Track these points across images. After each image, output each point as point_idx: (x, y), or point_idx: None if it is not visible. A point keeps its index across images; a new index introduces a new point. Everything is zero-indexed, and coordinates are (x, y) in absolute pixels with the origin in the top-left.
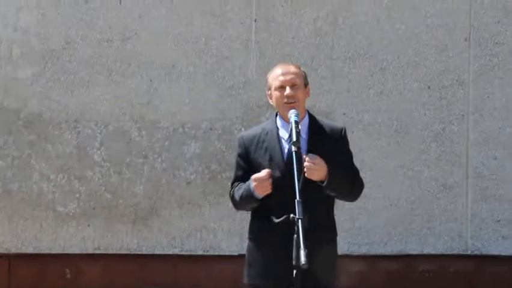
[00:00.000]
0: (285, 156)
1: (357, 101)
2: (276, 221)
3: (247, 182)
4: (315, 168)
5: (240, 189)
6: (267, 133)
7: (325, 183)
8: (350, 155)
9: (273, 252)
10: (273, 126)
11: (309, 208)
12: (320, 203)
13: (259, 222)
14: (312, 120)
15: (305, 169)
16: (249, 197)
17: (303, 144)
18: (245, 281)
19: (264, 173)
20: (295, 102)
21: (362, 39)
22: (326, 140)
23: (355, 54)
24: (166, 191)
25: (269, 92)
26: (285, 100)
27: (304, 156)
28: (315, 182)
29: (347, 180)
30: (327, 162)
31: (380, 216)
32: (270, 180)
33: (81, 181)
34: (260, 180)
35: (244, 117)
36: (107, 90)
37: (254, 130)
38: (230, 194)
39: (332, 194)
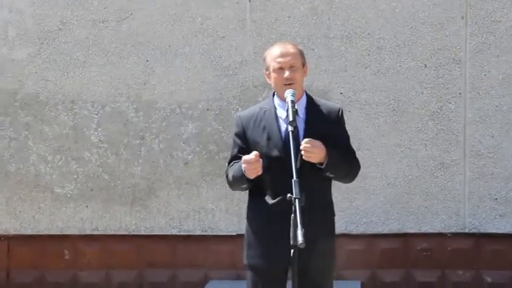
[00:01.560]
0: (283, 135)
1: (354, 80)
2: (271, 202)
3: (239, 162)
4: (312, 151)
5: (232, 170)
6: (264, 112)
7: (323, 165)
8: (347, 136)
9: (271, 233)
10: (271, 105)
11: (306, 188)
12: (317, 182)
13: (257, 202)
14: (310, 100)
15: (302, 152)
16: (239, 177)
17: (301, 124)
18: (245, 261)
19: (252, 155)
20: (294, 83)
21: (358, 18)
22: (324, 120)
23: (352, 33)
24: (164, 171)
25: (267, 72)
26: (284, 82)
27: (302, 142)
28: (313, 163)
29: (345, 162)
30: (324, 142)
31: (378, 195)
32: (260, 162)
33: (78, 162)
34: (250, 163)
35: (241, 96)
36: (103, 71)
37: (252, 109)
38: (226, 173)
39: (330, 175)
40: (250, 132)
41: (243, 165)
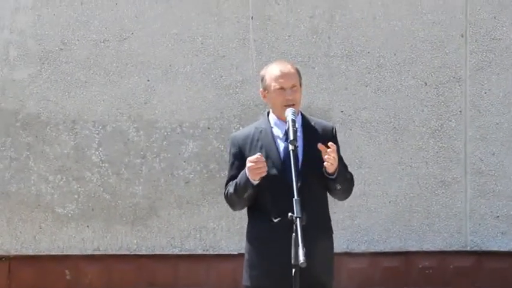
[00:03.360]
0: (281, 154)
1: (354, 98)
2: (275, 220)
3: (241, 172)
4: (335, 159)
5: (233, 182)
6: (261, 131)
7: (335, 175)
8: (339, 153)
9: (274, 252)
10: (267, 125)
11: (306, 206)
12: (316, 200)
13: (258, 222)
14: (305, 119)
15: (327, 161)
16: (244, 183)
17: (299, 142)
18: (247, 283)
19: (258, 154)
20: (294, 104)
21: (358, 36)
22: (320, 138)
23: (352, 51)
24: (165, 190)
25: (265, 91)
26: (285, 103)
27: (322, 147)
28: (312, 179)
29: (348, 174)
30: (322, 159)
31: (379, 213)
32: (265, 163)
33: (79, 182)
34: (255, 161)
35: (242, 115)
36: (105, 90)
37: (247, 129)
38: (225, 193)
39: (338, 187)
40: (248, 152)
41: (247, 166)
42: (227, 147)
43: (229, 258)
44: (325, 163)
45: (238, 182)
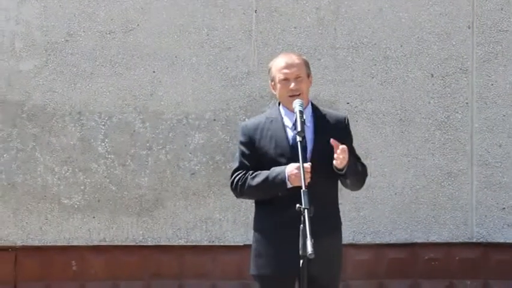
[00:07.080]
0: (291, 143)
1: (360, 90)
2: (280, 212)
3: (276, 170)
4: (345, 158)
5: (258, 176)
6: (271, 121)
7: (344, 170)
8: (352, 143)
9: (281, 242)
10: (277, 115)
11: (315, 197)
12: (325, 191)
13: (266, 212)
14: (315, 110)
15: (337, 160)
16: (277, 184)
17: (308, 133)
18: (253, 271)
19: (307, 164)
20: (299, 94)
21: (364, 28)
22: (331, 129)
23: (358, 43)
24: (171, 182)
25: (272, 82)
26: (290, 93)
27: (334, 143)
28: (321, 171)
29: (358, 167)
30: (332, 150)
31: (385, 205)
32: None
33: (86, 173)
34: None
35: (248, 107)
36: (111, 82)
37: (257, 118)
38: (234, 180)
39: (347, 181)
40: (258, 141)
41: (291, 172)
42: (233, 138)
43: (235, 249)
44: (334, 161)
45: (269, 180)
